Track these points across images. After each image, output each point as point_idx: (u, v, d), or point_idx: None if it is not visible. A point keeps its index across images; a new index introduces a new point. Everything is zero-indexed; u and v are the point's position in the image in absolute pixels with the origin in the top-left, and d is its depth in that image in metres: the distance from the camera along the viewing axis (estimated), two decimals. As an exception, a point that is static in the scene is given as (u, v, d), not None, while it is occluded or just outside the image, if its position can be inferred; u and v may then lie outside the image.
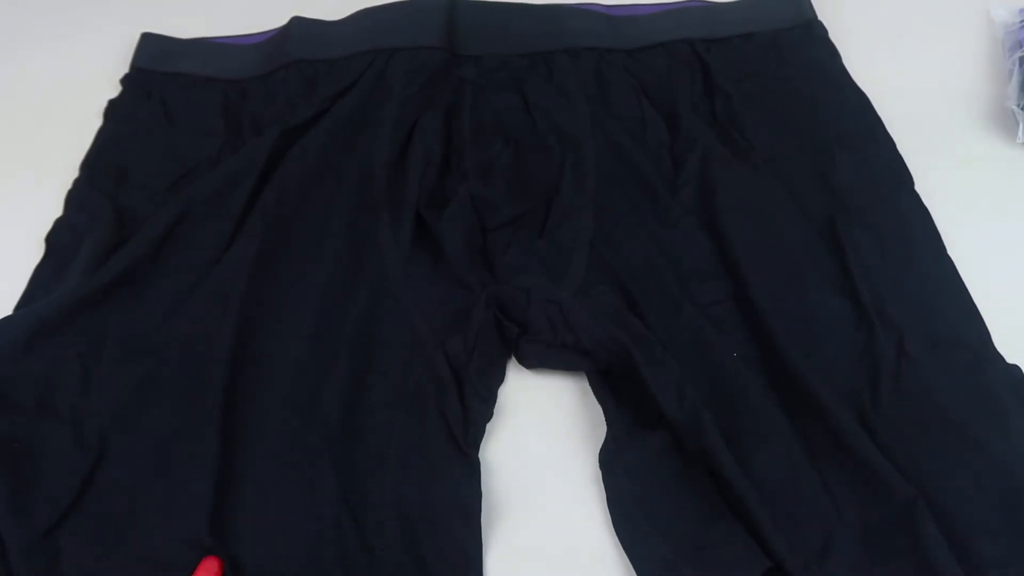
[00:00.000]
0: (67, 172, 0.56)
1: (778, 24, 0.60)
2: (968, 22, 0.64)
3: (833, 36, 0.60)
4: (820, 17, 0.61)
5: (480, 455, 0.43)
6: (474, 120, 0.55)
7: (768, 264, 0.47)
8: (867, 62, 0.58)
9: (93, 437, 0.43)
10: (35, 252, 0.52)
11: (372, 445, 0.43)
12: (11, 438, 0.43)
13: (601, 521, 0.41)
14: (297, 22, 0.62)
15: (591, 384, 0.45)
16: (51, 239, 0.53)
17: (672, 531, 0.40)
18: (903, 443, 0.40)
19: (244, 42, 0.63)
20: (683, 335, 0.45)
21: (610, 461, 0.42)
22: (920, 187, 0.51)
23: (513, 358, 0.47)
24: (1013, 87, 0.56)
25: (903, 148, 0.53)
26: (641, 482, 0.41)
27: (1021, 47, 0.57)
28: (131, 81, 0.61)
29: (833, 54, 0.59)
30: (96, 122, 0.59)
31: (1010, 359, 0.43)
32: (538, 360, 0.47)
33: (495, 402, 0.45)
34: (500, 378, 0.47)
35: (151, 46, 0.63)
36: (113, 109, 0.60)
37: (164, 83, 0.61)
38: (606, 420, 0.44)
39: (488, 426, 0.45)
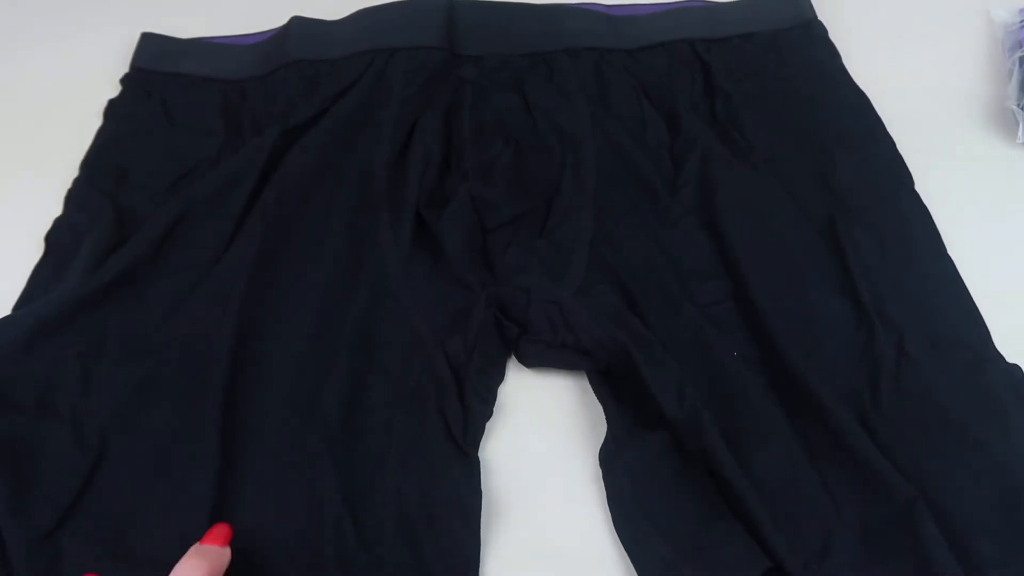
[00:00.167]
0: (67, 172, 0.56)
1: (778, 24, 0.60)
2: (968, 22, 0.64)
3: (833, 36, 0.60)
4: (820, 17, 0.61)
5: (480, 454, 0.43)
6: (474, 120, 0.55)
7: (768, 264, 0.47)
8: (867, 62, 0.58)
9: (93, 437, 0.43)
10: (35, 252, 0.52)
11: (372, 445, 0.43)
12: (11, 438, 0.43)
13: (601, 521, 0.41)
14: (297, 22, 0.62)
15: (591, 383, 0.45)
16: (51, 239, 0.53)
17: (672, 531, 0.40)
18: (903, 443, 0.40)
19: (244, 42, 0.63)
20: (683, 335, 0.45)
21: (610, 460, 0.42)
22: (920, 187, 0.51)
23: (513, 358, 0.47)
24: (1013, 87, 0.56)
25: (903, 148, 0.53)
26: (641, 482, 0.41)
27: (1021, 47, 0.57)
28: (131, 81, 0.61)
29: (833, 54, 0.59)
30: (96, 122, 0.59)
31: (1010, 359, 0.43)
32: (538, 360, 0.47)
33: (495, 402, 0.45)
34: (500, 378, 0.47)
35: (151, 46, 0.63)
36: (113, 109, 0.60)
37: (164, 83, 0.61)
38: (606, 419, 0.44)
39: (488, 425, 0.45)
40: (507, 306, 0.46)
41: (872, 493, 0.39)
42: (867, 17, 0.64)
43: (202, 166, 0.55)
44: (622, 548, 0.40)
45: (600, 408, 0.44)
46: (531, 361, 0.47)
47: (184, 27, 0.64)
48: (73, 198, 0.55)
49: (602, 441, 0.43)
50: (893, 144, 0.53)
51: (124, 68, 0.62)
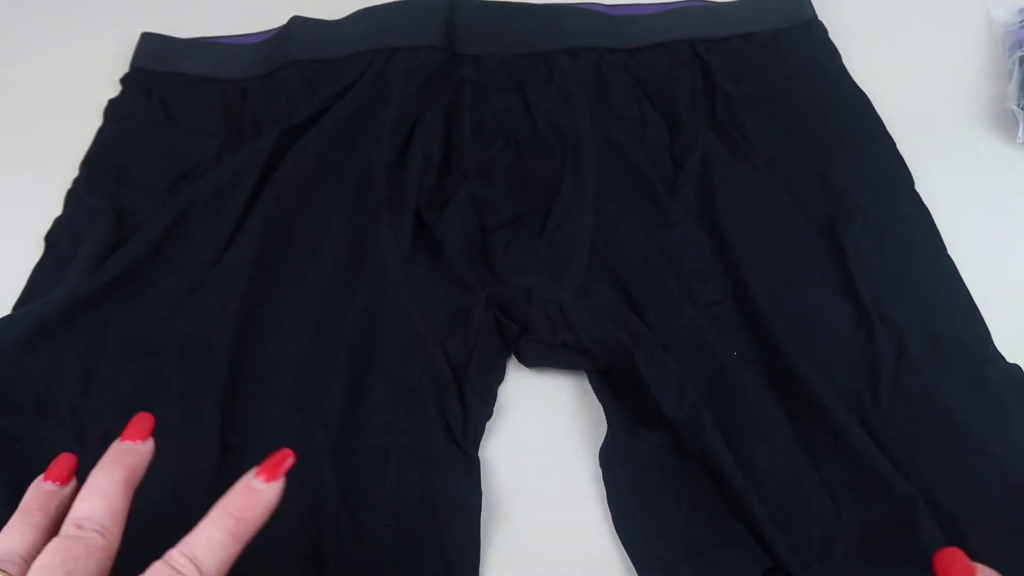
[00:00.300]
0: (67, 172, 0.56)
1: (778, 24, 0.60)
2: (968, 22, 0.64)
3: (833, 36, 0.60)
4: (820, 17, 0.61)
5: (480, 454, 0.43)
6: (474, 120, 0.55)
7: (768, 264, 0.47)
8: (867, 62, 0.58)
9: (93, 437, 0.43)
10: (35, 252, 0.52)
11: (372, 444, 0.43)
12: (11, 438, 0.43)
13: (601, 520, 0.41)
14: (297, 22, 0.62)
15: (591, 383, 0.45)
16: (51, 239, 0.53)
17: (672, 530, 0.40)
18: (903, 443, 0.40)
19: (244, 42, 0.63)
20: (683, 335, 0.45)
21: (610, 460, 0.42)
22: (920, 187, 0.51)
23: (513, 358, 0.47)
24: (1013, 87, 0.56)
25: (903, 148, 0.53)
26: (641, 481, 0.41)
27: (1021, 47, 0.57)
28: (131, 81, 0.61)
29: (833, 54, 0.59)
30: (96, 122, 0.59)
31: (1010, 359, 0.43)
32: (538, 360, 0.47)
33: (495, 401, 0.45)
34: (500, 377, 0.47)
35: (151, 46, 0.63)
36: (113, 109, 0.60)
37: (164, 83, 0.61)
38: (606, 419, 0.44)
39: (488, 425, 0.45)
40: (507, 306, 0.46)
41: (872, 493, 0.39)
42: (867, 17, 0.64)
43: (202, 166, 0.55)
44: (622, 548, 0.40)
45: (600, 408, 0.44)
46: (531, 361, 0.47)
47: (184, 27, 0.64)
48: (73, 198, 0.55)
49: (602, 441, 0.43)
50: (893, 144, 0.53)
51: (124, 68, 0.62)
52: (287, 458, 0.33)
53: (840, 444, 0.40)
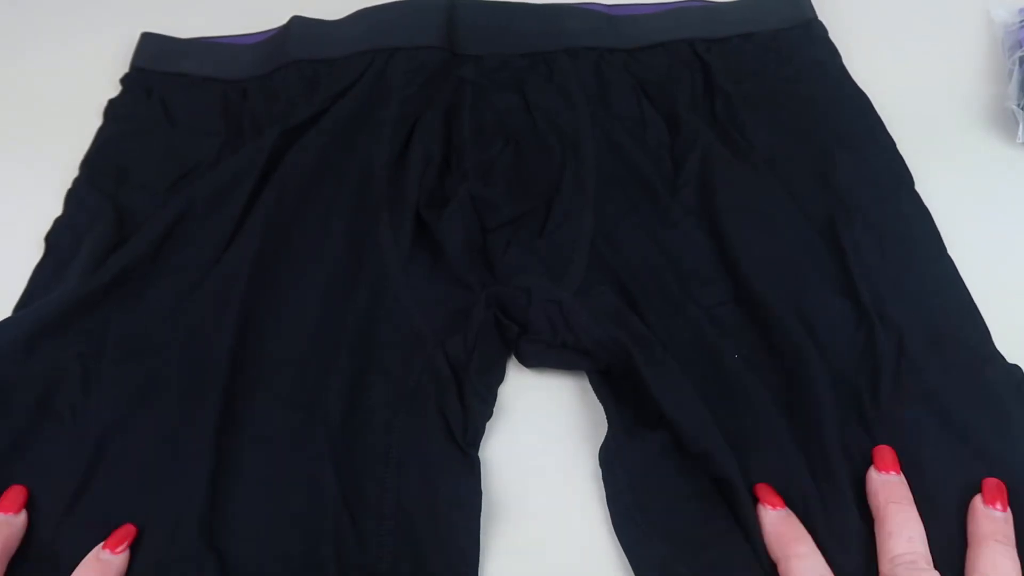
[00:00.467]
0: (67, 172, 0.56)
1: (778, 24, 0.60)
2: (968, 22, 0.64)
3: (833, 36, 0.60)
4: (820, 17, 0.61)
5: (480, 454, 0.43)
6: (474, 120, 0.55)
7: (768, 264, 0.47)
8: (867, 62, 0.58)
9: (93, 437, 0.43)
10: (35, 252, 0.52)
11: (372, 444, 0.43)
12: (11, 439, 0.43)
13: (601, 520, 0.41)
14: (297, 22, 0.62)
15: (591, 383, 0.45)
16: (51, 239, 0.53)
17: (671, 530, 0.40)
18: (903, 443, 0.40)
19: (244, 42, 0.63)
20: (683, 335, 0.45)
21: (610, 459, 0.42)
22: (920, 187, 0.51)
23: (513, 358, 0.47)
24: (1013, 87, 0.56)
25: (903, 148, 0.53)
26: (641, 481, 0.41)
27: (1021, 47, 0.57)
28: (131, 81, 0.61)
29: (833, 54, 0.59)
30: (96, 122, 0.59)
31: (1010, 359, 0.43)
32: (538, 360, 0.47)
33: (495, 401, 0.45)
34: (500, 377, 0.47)
35: (151, 46, 0.63)
36: (113, 109, 0.60)
37: (164, 83, 0.61)
38: (607, 419, 0.44)
39: (488, 425, 0.45)
40: (507, 306, 0.46)
41: (863, 499, 0.39)
42: (867, 17, 0.64)
43: (202, 166, 0.55)
44: (621, 548, 0.40)
45: (600, 408, 0.44)
46: (531, 361, 0.47)
47: (184, 27, 0.64)
48: (73, 198, 0.55)
49: (602, 441, 0.43)
50: (893, 144, 0.53)
51: (124, 68, 0.62)
52: (130, 533, 0.39)
53: (834, 449, 0.40)
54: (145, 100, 0.60)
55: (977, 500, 0.37)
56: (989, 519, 0.36)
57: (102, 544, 0.38)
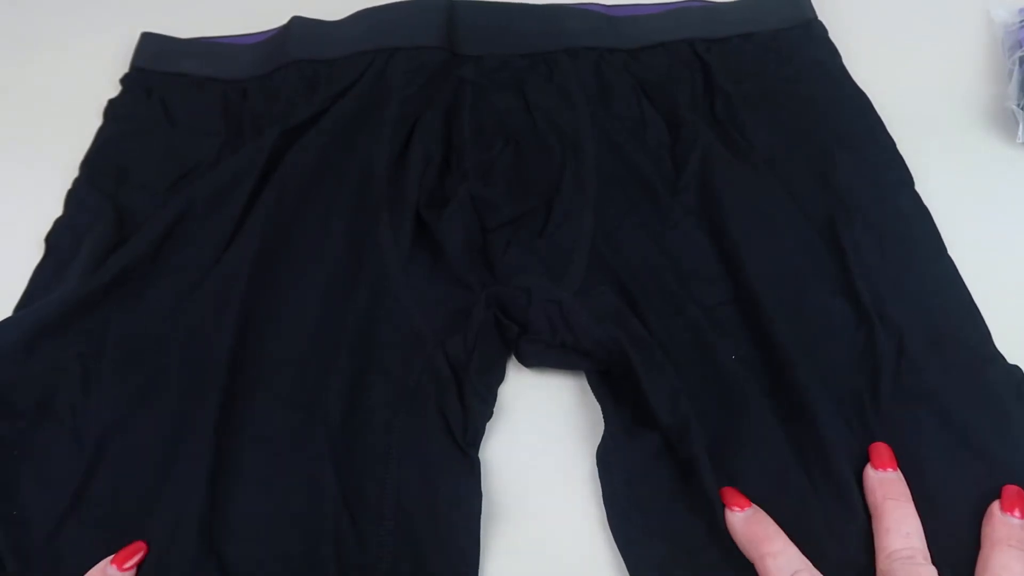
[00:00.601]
0: (67, 172, 0.56)
1: (778, 24, 0.60)
2: (968, 22, 0.64)
3: (833, 36, 0.60)
4: (820, 17, 0.61)
5: (480, 454, 0.43)
6: (474, 120, 0.55)
7: (768, 264, 0.47)
8: (867, 62, 0.58)
9: (93, 438, 0.43)
10: (35, 252, 0.52)
11: (372, 444, 0.43)
12: (11, 439, 0.43)
13: (600, 520, 0.41)
14: (297, 22, 0.62)
15: (590, 383, 0.45)
16: (51, 239, 0.53)
17: (667, 531, 0.40)
18: (903, 443, 0.40)
19: (244, 42, 0.63)
20: (683, 336, 0.45)
21: (607, 459, 0.42)
22: (920, 187, 0.51)
23: (513, 358, 0.47)
24: (1013, 87, 0.56)
25: (903, 148, 0.53)
26: (637, 481, 0.41)
27: (1021, 47, 0.57)
28: (131, 81, 0.61)
29: (833, 54, 0.59)
30: (96, 122, 0.59)
31: (1010, 359, 0.43)
32: (537, 360, 0.47)
33: (495, 401, 0.45)
34: (500, 377, 0.47)
35: (151, 46, 0.63)
36: (113, 109, 0.60)
37: (164, 83, 0.61)
38: (604, 419, 0.44)
39: (488, 425, 0.45)
40: (507, 306, 0.46)
41: (855, 505, 0.38)
42: (867, 17, 0.64)
43: (202, 166, 0.55)
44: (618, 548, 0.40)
45: (599, 408, 0.44)
46: (531, 361, 0.47)
47: (184, 27, 0.64)
48: (73, 198, 0.55)
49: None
50: (893, 144, 0.53)
51: (124, 68, 0.62)
52: (140, 550, 0.38)
53: (829, 455, 0.40)
54: (145, 100, 0.60)
55: (995, 506, 0.37)
56: (1005, 524, 0.36)
57: (111, 558, 0.38)
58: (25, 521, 0.40)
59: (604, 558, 0.41)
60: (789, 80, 0.57)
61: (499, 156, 0.54)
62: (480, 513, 0.41)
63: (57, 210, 0.54)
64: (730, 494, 0.39)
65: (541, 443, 0.45)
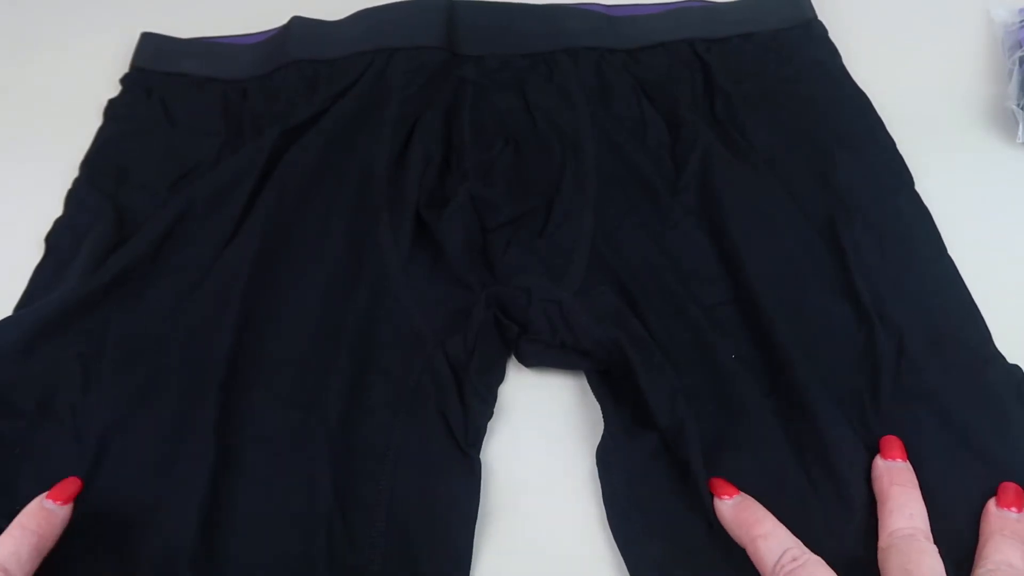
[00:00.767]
0: (67, 172, 0.56)
1: (778, 24, 0.60)
2: (968, 22, 0.64)
3: (833, 36, 0.60)
4: (820, 17, 0.61)
5: (480, 454, 0.43)
6: (474, 120, 0.55)
7: (768, 265, 0.47)
8: (867, 62, 0.58)
9: (93, 437, 0.43)
10: (35, 252, 0.52)
11: (371, 445, 0.43)
12: (11, 440, 0.43)
13: (600, 520, 0.41)
14: (297, 22, 0.62)
15: (589, 383, 0.45)
16: (51, 239, 0.53)
17: (667, 531, 0.40)
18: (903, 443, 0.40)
19: (244, 42, 0.63)
20: (683, 336, 0.45)
21: (607, 459, 0.42)
22: (920, 187, 0.51)
23: (513, 358, 0.47)
24: (1013, 87, 0.56)
25: (903, 148, 0.53)
26: (638, 481, 0.41)
27: (1021, 47, 0.57)
28: (131, 81, 0.61)
29: (833, 54, 0.59)
30: (96, 122, 0.59)
31: (1010, 359, 0.43)
32: (537, 360, 0.47)
33: (495, 401, 0.45)
34: (500, 377, 0.47)
35: (151, 46, 0.63)
36: (113, 109, 0.60)
37: (164, 83, 0.61)
38: (604, 419, 0.44)
39: (488, 425, 0.45)
40: (507, 306, 0.46)
41: (857, 505, 0.38)
42: (867, 17, 0.64)
43: (202, 166, 0.55)
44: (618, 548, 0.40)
45: (599, 408, 0.44)
46: (531, 361, 0.47)
47: (184, 27, 0.64)
48: (73, 198, 0.55)
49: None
50: (893, 144, 0.53)
51: (124, 68, 0.62)
52: (76, 486, 0.38)
53: (828, 455, 0.40)
54: (145, 100, 0.60)
55: (991, 503, 0.38)
56: (1001, 517, 0.37)
57: (46, 493, 0.38)
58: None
59: (604, 558, 0.40)
60: (789, 80, 0.57)
61: (499, 156, 0.54)
62: (476, 515, 0.41)
63: (57, 210, 0.54)
64: (718, 484, 0.39)
65: (541, 443, 0.45)
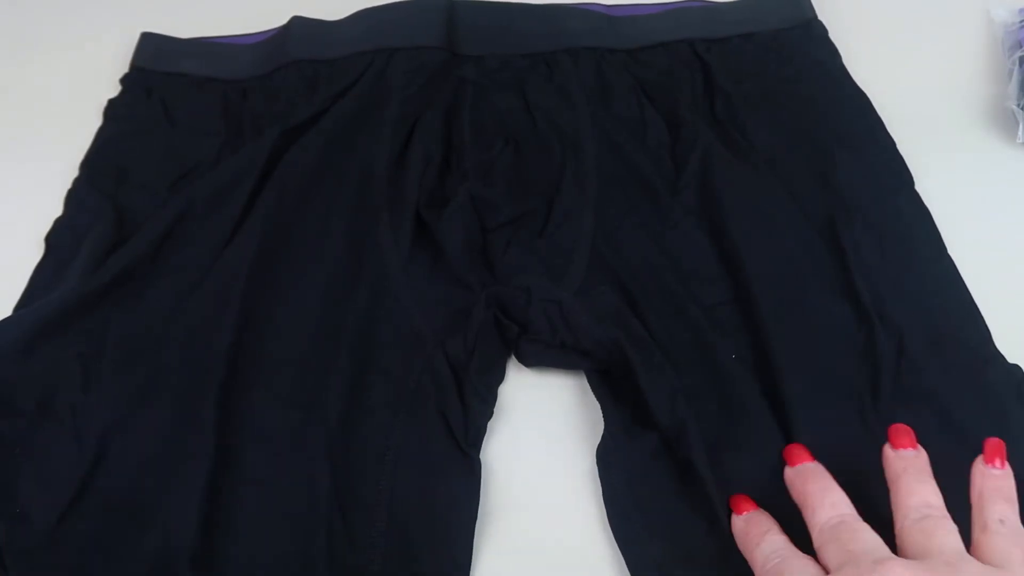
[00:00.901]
0: (67, 172, 0.56)
1: (778, 24, 0.60)
2: (968, 22, 0.64)
3: (833, 36, 0.60)
4: (820, 17, 0.61)
5: (480, 454, 0.43)
6: (474, 120, 0.55)
7: (768, 265, 0.47)
8: (867, 62, 0.58)
9: (93, 437, 0.43)
10: (35, 252, 0.52)
11: (371, 445, 0.43)
12: (11, 440, 0.43)
13: (600, 519, 0.41)
14: (297, 22, 0.62)
15: (590, 382, 0.45)
16: (51, 239, 0.53)
17: (666, 530, 0.40)
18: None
19: (244, 42, 0.63)
20: (683, 336, 0.45)
21: (607, 459, 0.42)
22: (920, 187, 0.51)
23: (513, 357, 0.47)
24: (1013, 87, 0.56)
25: (903, 148, 0.53)
26: (637, 481, 0.41)
27: (1021, 47, 0.57)
28: (131, 81, 0.61)
29: (833, 54, 0.59)
30: (96, 122, 0.59)
31: (1010, 359, 0.43)
32: (537, 360, 0.47)
33: (495, 401, 0.45)
34: (500, 377, 0.47)
35: (151, 46, 0.63)
36: (113, 109, 0.60)
37: (164, 83, 0.61)
38: (604, 418, 0.44)
39: (488, 425, 0.45)
40: (507, 306, 0.46)
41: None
42: (867, 17, 0.64)
43: (202, 166, 0.55)
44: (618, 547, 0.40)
45: (599, 408, 0.44)
46: (531, 361, 0.47)
47: (184, 27, 0.64)
48: (73, 198, 0.55)
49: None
50: (893, 144, 0.53)
51: (124, 68, 0.62)
52: None
53: (827, 456, 0.40)
54: (145, 100, 0.60)
55: (886, 448, 0.36)
56: (901, 458, 0.36)
57: None
58: (25, 520, 0.40)
59: (604, 557, 0.40)
60: (789, 80, 0.57)
61: (499, 156, 0.54)
62: (476, 515, 0.41)
63: (57, 210, 0.54)
64: (738, 500, 0.38)
65: (541, 443, 0.45)
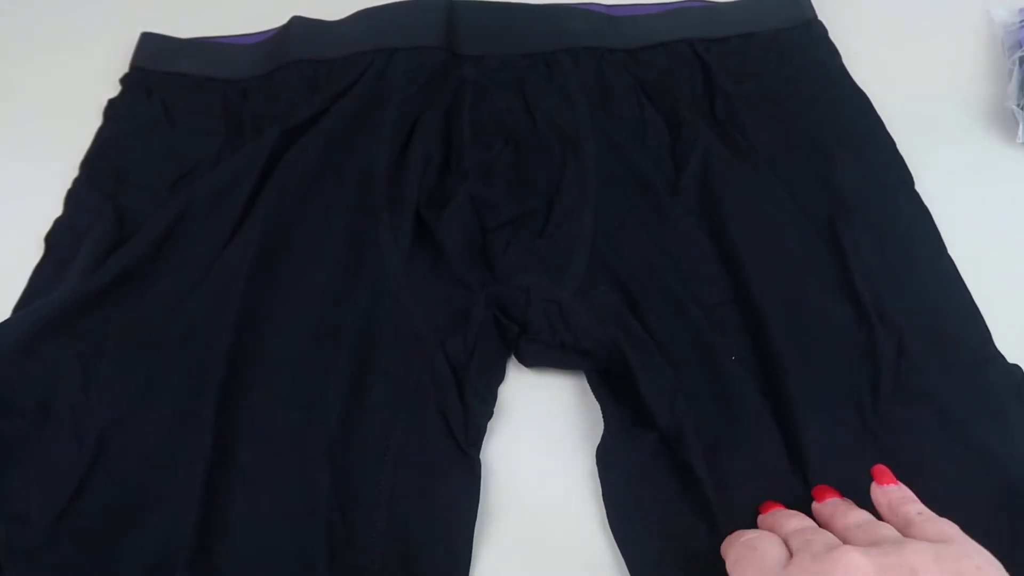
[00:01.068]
0: (67, 172, 0.56)
1: (778, 24, 0.60)
2: (968, 22, 0.64)
3: (833, 36, 0.60)
4: (820, 17, 0.61)
5: (480, 454, 0.43)
6: (474, 120, 0.55)
7: (768, 265, 0.47)
8: (867, 62, 0.58)
9: (93, 437, 0.43)
10: (35, 252, 0.52)
11: (371, 445, 0.43)
12: (11, 439, 0.43)
13: (600, 519, 0.41)
14: (297, 22, 0.62)
15: (589, 382, 0.45)
16: (51, 239, 0.53)
17: (666, 530, 0.40)
18: (903, 443, 0.40)
19: (244, 42, 0.63)
20: (683, 336, 0.45)
21: (607, 459, 0.42)
22: (920, 187, 0.51)
23: (513, 357, 0.47)
24: (1013, 87, 0.56)
25: (903, 148, 0.53)
26: (638, 481, 0.41)
27: (1021, 47, 0.57)
28: (131, 81, 0.61)
29: (833, 54, 0.59)
30: (96, 122, 0.59)
31: (1010, 359, 0.43)
32: (537, 360, 0.47)
33: (495, 401, 0.45)
34: (500, 377, 0.47)
35: (151, 46, 0.63)
36: (113, 109, 0.60)
37: (164, 83, 0.61)
38: (603, 418, 0.44)
39: (488, 425, 0.45)
40: (507, 306, 0.46)
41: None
42: (867, 17, 0.64)
43: (202, 166, 0.55)
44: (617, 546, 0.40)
45: (599, 408, 0.44)
46: (530, 361, 0.47)
47: (184, 27, 0.64)
48: (73, 198, 0.55)
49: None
50: (893, 144, 0.53)
51: (124, 68, 0.62)
52: None
53: (814, 451, 0.40)
54: (145, 100, 0.60)
55: (874, 485, 0.37)
56: (888, 491, 0.36)
57: None
58: (25, 520, 0.40)
59: (603, 557, 0.41)
60: (789, 80, 0.57)
61: (499, 156, 0.54)
62: (476, 515, 0.41)
63: (57, 210, 0.54)
64: (767, 504, 0.39)
65: (541, 443, 0.45)
